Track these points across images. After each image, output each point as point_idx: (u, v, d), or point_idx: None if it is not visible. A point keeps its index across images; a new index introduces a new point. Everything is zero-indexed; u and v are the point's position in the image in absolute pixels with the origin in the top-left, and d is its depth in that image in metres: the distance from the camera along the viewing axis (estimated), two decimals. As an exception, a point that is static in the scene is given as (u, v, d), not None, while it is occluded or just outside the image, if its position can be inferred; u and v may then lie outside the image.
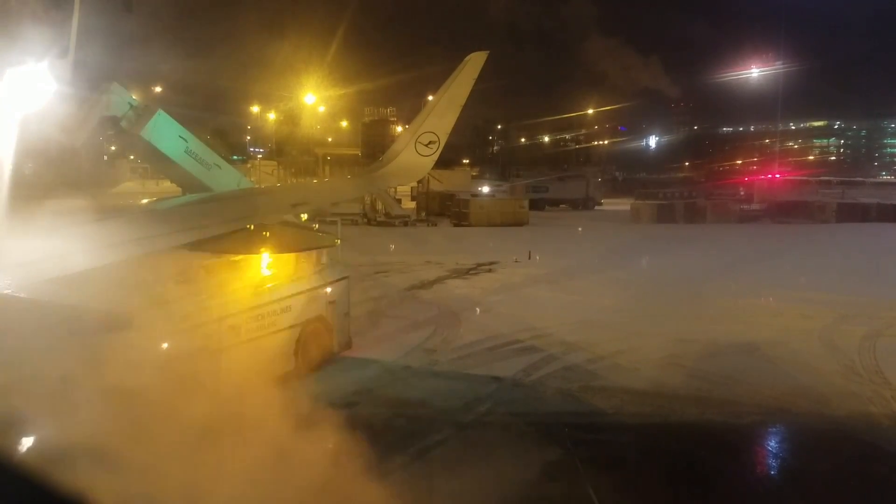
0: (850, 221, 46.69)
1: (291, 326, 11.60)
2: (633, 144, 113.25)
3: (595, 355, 13.69)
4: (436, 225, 43.61)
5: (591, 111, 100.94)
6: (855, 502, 8.57)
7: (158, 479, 6.86)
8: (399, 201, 46.46)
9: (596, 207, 61.08)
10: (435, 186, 49.38)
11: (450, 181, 55.24)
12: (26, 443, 6.33)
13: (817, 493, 8.69)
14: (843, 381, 12.41)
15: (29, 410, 7.40)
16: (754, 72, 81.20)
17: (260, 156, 78.21)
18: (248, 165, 60.66)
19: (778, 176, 72.54)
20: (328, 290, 12.50)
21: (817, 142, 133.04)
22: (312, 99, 59.61)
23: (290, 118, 60.43)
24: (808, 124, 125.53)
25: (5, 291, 5.96)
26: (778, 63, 78.46)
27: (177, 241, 9.21)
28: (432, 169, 15.90)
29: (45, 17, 12.07)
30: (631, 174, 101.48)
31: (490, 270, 24.86)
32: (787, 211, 50.00)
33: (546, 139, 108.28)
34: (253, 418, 10.07)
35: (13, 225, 7.30)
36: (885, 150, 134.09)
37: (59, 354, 8.84)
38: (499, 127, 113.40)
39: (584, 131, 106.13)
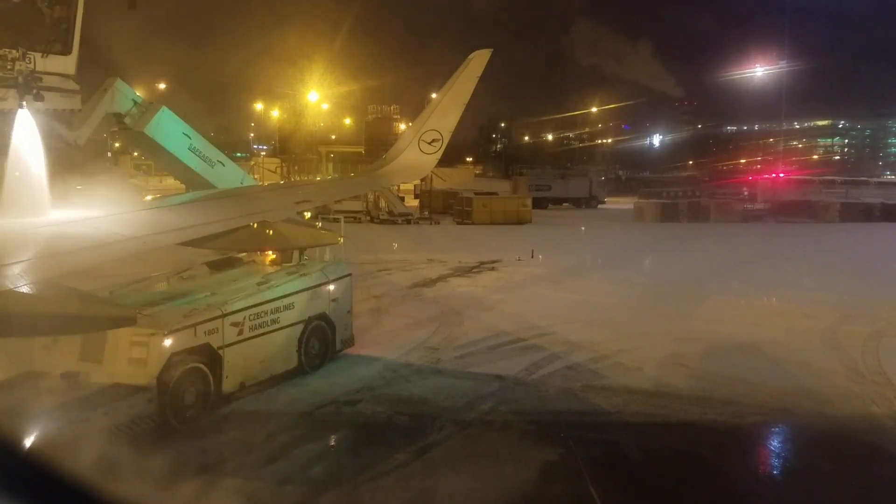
0: (853, 221, 46.54)
1: (294, 324, 11.63)
2: (637, 143, 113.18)
3: (597, 354, 13.69)
4: (439, 223, 43.59)
5: (594, 109, 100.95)
6: (857, 503, 8.57)
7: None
8: (402, 199, 46.43)
9: (599, 206, 60.89)
10: (438, 184, 49.35)
11: (453, 179, 55.23)
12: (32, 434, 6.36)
13: (819, 494, 8.69)
14: (846, 381, 12.39)
15: (35, 404, 7.43)
16: (758, 71, 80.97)
17: (263, 153, 78.28)
18: (252, 163, 60.62)
19: (782, 175, 72.35)
20: (331, 287, 12.51)
21: (821, 141, 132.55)
22: (316, 96, 59.56)
23: (294, 115, 60.34)
24: (812, 123, 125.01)
25: (13, 287, 5.98)
26: (782, 62, 78.19)
27: (180, 238, 9.23)
28: (435, 167, 15.91)
29: (49, 14, 12.10)
30: (634, 173, 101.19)
31: (493, 269, 24.86)
32: (790, 210, 49.84)
33: (550, 137, 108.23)
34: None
35: (20, 222, 7.33)
36: (889, 150, 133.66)
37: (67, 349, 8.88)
38: (502, 125, 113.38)
39: (587, 129, 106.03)
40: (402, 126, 48.57)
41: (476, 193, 47.62)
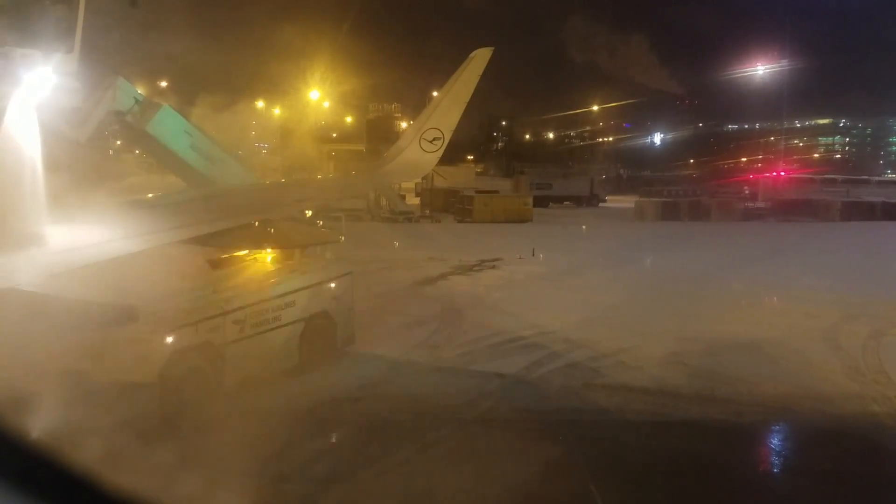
0: (854, 220, 46.55)
1: (295, 321, 11.64)
2: (638, 141, 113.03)
3: (598, 353, 13.70)
4: (440, 221, 43.61)
5: (595, 108, 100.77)
6: (857, 502, 8.57)
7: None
8: (403, 197, 46.43)
9: (600, 205, 60.96)
10: (439, 183, 49.35)
11: (454, 177, 55.21)
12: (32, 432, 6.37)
13: (819, 493, 8.69)
14: (847, 380, 12.39)
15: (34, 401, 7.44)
16: (760, 69, 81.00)
17: (264, 151, 78.21)
18: (253, 161, 60.56)
19: (783, 174, 72.35)
20: (332, 285, 12.53)
21: (822, 140, 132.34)
22: (317, 94, 59.58)
23: (296, 113, 60.40)
24: (813, 122, 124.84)
25: (14, 286, 6.00)
26: (784, 60, 78.21)
27: (182, 236, 9.25)
28: (436, 165, 15.92)
29: (51, 11, 12.09)
30: (635, 171, 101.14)
31: (494, 267, 24.86)
32: (791, 209, 49.81)
33: (551, 136, 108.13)
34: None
35: (21, 221, 7.34)
36: (890, 149, 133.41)
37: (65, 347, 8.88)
38: (503, 123, 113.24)
39: (588, 128, 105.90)
40: (404, 124, 48.54)
41: (477, 192, 47.64)
